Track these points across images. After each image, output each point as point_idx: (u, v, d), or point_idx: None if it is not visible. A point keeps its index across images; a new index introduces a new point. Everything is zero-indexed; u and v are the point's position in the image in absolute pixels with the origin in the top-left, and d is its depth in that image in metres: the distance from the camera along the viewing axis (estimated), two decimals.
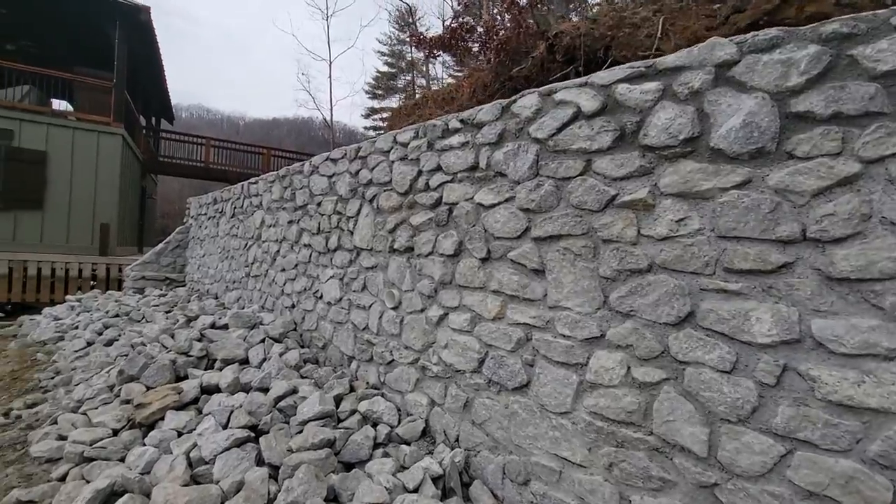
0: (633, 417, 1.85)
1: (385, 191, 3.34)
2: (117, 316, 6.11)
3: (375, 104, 42.17)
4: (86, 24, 11.59)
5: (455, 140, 2.77)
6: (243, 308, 5.29)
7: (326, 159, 4.14)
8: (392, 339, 3.12)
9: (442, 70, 36.09)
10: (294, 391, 3.03)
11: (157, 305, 6.52)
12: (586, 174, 2.09)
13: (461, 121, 2.76)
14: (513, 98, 2.47)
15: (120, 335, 5.08)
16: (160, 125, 18.20)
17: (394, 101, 39.71)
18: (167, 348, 3.97)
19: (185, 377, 3.48)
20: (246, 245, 5.85)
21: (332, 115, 20.37)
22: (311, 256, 4.27)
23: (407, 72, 38.78)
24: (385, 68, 39.53)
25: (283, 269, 4.75)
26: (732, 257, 1.67)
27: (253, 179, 5.90)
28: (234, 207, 6.42)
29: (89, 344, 4.96)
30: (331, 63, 20.93)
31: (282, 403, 2.90)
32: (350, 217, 3.72)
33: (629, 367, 1.88)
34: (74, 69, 12.25)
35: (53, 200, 10.50)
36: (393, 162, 3.28)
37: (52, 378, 4.20)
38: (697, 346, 1.72)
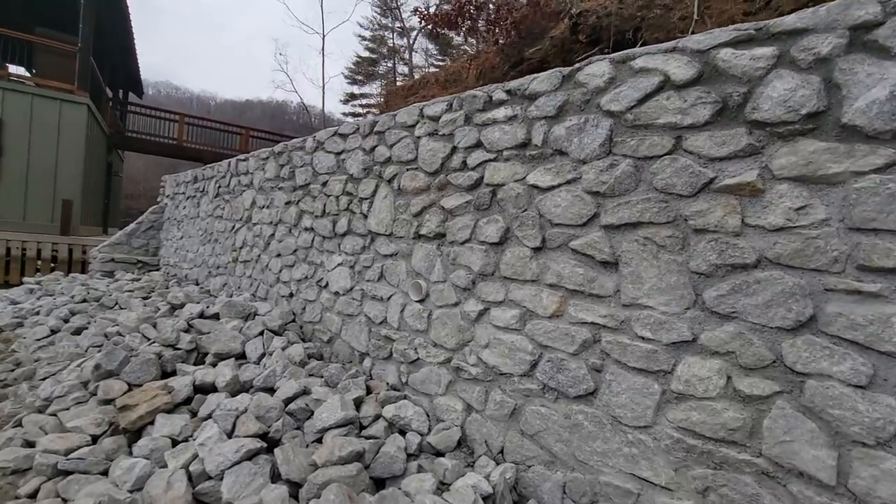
0: (735, 436, 1.60)
1: (409, 170, 2.99)
2: (85, 301, 5.54)
3: (355, 90, 41.28)
4: None
5: (500, 113, 2.45)
6: (231, 296, 4.84)
7: (334, 134, 3.74)
8: (417, 336, 2.80)
9: (424, 59, 35.62)
10: (305, 392, 2.68)
11: (132, 291, 5.97)
12: (676, 153, 1.82)
13: (508, 91, 2.44)
14: (576, 66, 2.17)
15: (90, 323, 4.57)
16: (127, 98, 17.06)
17: (374, 87, 38.96)
18: (149, 340, 3.53)
19: (174, 373, 3.07)
20: (233, 228, 5.38)
21: (323, 94, 19.62)
22: (313, 241, 3.88)
23: (388, 58, 38.02)
24: (366, 53, 38.59)
25: (279, 255, 4.34)
26: (870, 253, 1.42)
27: (242, 156, 5.41)
28: (219, 186, 5.91)
29: (54, 332, 4.43)
30: (324, 37, 20.18)
31: (292, 406, 2.55)
32: (364, 199, 3.35)
33: (730, 377, 1.63)
34: (35, 31, 11.23)
35: (8, 171, 9.61)
36: (419, 138, 2.94)
37: (12, 371, 3.69)
38: (822, 356, 1.47)
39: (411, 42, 33.12)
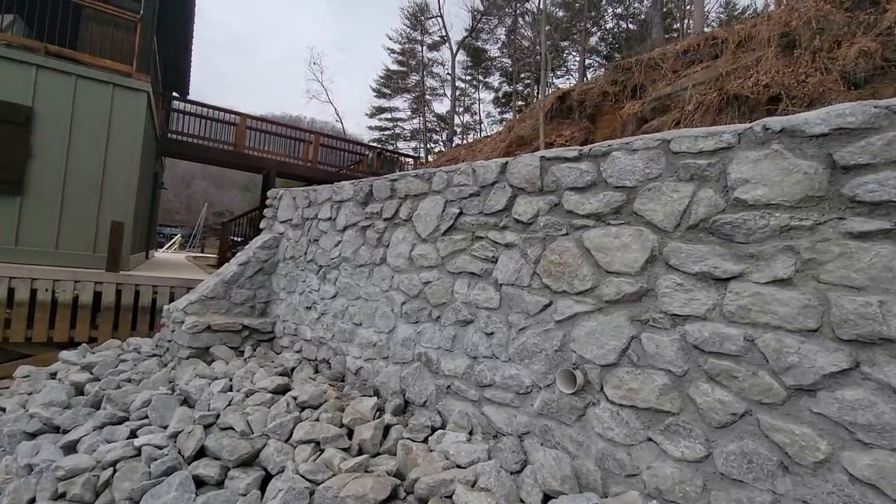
0: None
1: None
2: (187, 436, 2.64)
3: (382, 103, 38.97)
4: None
5: None
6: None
7: None
8: None
9: (461, 70, 33.29)
10: None
11: (267, 403, 3.08)
12: None
13: None
14: None
15: None
16: (171, 96, 14.39)
17: (400, 101, 36.75)
18: None
19: None
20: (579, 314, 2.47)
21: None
22: None
23: (416, 71, 35.76)
24: (395, 66, 36.49)
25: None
26: None
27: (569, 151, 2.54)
28: (482, 212, 3.03)
29: None
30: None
31: None
32: None
33: None
34: None
35: (38, 182, 6.84)
36: None
37: None
38: None
39: (454, 53, 30.88)
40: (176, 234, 31.16)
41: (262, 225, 5.71)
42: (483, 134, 32.83)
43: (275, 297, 5.14)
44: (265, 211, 5.71)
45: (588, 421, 2.21)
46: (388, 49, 35.89)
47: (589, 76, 22.00)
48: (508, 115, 32.28)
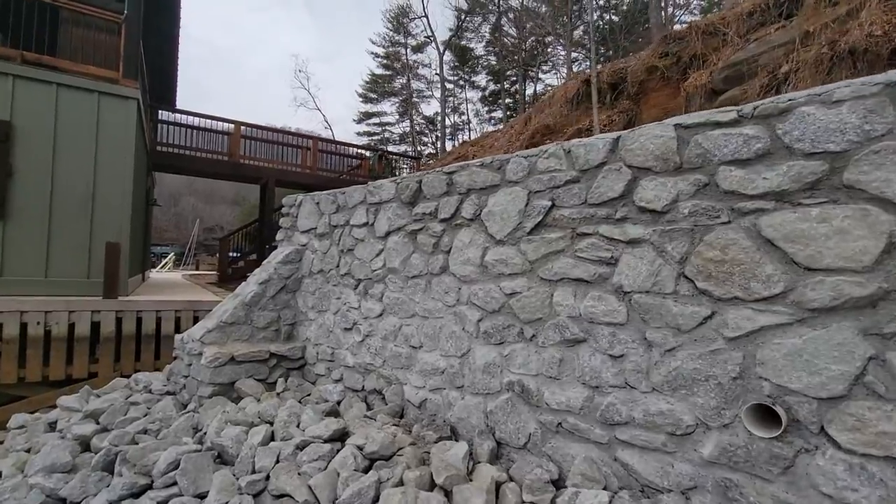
0: None
1: None
2: None
3: (370, 108, 38.32)
4: None
5: None
6: None
7: None
8: None
9: (448, 70, 32.75)
10: None
11: (323, 460, 2.45)
12: None
13: None
14: None
15: None
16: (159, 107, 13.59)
17: (387, 105, 36.22)
18: None
19: None
20: None
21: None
22: None
23: (401, 73, 35.17)
24: (379, 70, 35.95)
25: None
26: None
27: None
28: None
29: None
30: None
31: None
32: None
33: None
34: None
35: (24, 204, 6.15)
36: None
37: None
38: None
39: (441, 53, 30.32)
40: (169, 253, 30.27)
41: (278, 237, 5.07)
42: (472, 133, 32.38)
43: (302, 317, 4.50)
44: (281, 221, 5.08)
45: (802, 475, 1.61)
46: (373, 53, 35.52)
47: (575, 69, 21.58)
48: (497, 114, 31.81)
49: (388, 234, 3.61)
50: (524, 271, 2.62)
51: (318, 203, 4.51)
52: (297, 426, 2.92)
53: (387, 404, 3.33)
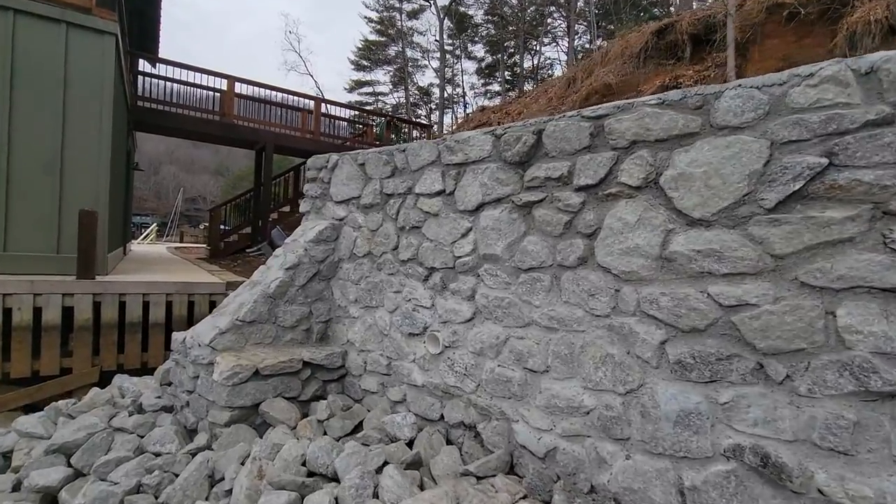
0: None
1: None
2: None
3: (362, 76, 36.50)
4: None
5: None
6: None
7: None
8: None
9: (445, 40, 30.98)
10: None
11: None
12: None
13: None
14: None
15: None
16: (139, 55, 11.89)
17: (381, 74, 34.45)
18: None
19: None
20: None
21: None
22: None
23: (396, 41, 33.32)
24: (373, 36, 33.99)
25: None
26: None
27: None
28: None
29: None
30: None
31: None
32: None
33: None
34: None
35: None
36: None
37: None
38: None
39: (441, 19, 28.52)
40: (150, 224, 28.63)
41: (303, 208, 3.98)
42: (467, 107, 30.98)
43: (340, 313, 3.47)
44: (307, 188, 3.98)
45: None
46: (366, 17, 33.47)
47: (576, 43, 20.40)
48: (494, 87, 30.34)
49: (480, 206, 2.58)
50: (762, 270, 1.63)
51: (362, 164, 3.43)
52: (374, 495, 1.94)
53: (482, 446, 2.37)
